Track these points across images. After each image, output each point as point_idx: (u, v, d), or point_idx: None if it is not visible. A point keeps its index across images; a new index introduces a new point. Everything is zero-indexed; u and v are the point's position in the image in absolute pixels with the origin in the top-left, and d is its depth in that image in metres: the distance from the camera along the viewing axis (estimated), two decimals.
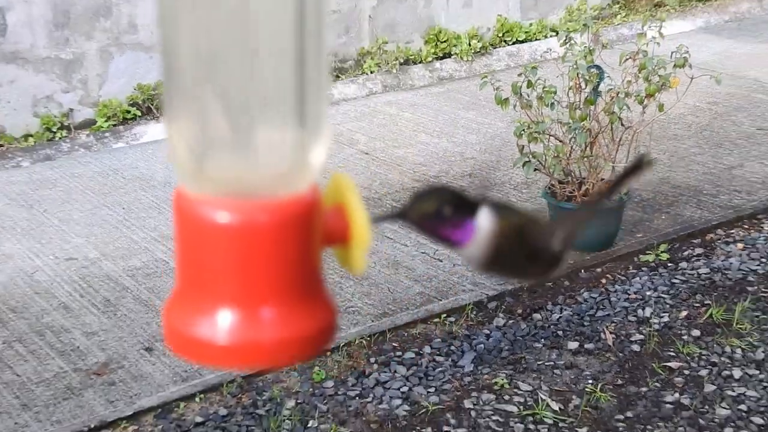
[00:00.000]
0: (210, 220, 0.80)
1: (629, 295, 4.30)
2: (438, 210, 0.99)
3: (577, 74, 4.50)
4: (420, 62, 7.16)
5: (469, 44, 7.27)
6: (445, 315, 4.15)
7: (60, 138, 5.97)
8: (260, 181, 0.81)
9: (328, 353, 3.88)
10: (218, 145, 0.80)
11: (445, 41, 7.27)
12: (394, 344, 3.98)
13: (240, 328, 0.81)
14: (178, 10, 0.79)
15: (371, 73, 6.94)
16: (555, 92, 4.53)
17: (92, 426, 3.50)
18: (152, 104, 6.18)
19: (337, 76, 6.87)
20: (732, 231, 4.84)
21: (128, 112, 6.14)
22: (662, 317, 4.13)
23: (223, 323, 0.82)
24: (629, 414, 3.57)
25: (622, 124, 4.51)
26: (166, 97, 0.81)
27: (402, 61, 7.08)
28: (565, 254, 1.13)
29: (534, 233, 1.09)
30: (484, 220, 1.01)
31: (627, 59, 4.49)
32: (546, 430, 3.49)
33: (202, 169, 0.80)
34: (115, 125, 6.09)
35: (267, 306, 0.82)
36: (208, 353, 0.82)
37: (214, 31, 0.78)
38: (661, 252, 4.61)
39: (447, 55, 7.27)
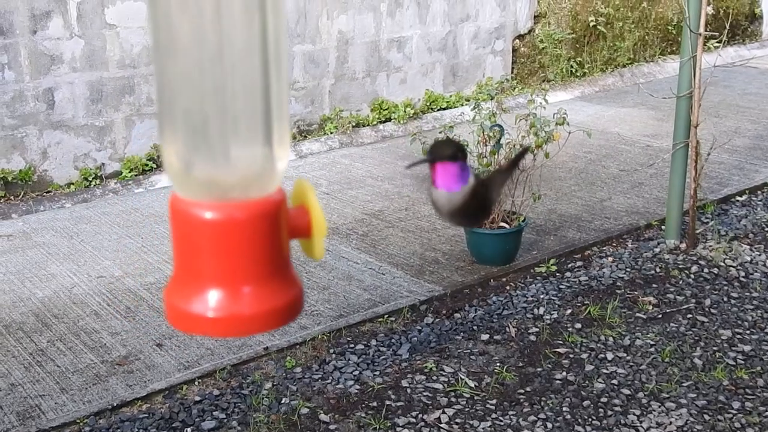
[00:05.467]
0: (198, 218, 0.79)
1: (527, 298, 4.30)
2: (454, 153, 1.01)
3: (483, 132, 4.53)
4: (368, 125, 7.16)
5: (405, 111, 7.29)
6: (387, 315, 4.12)
7: (94, 185, 5.93)
8: (237, 186, 0.79)
9: (297, 346, 3.85)
10: (203, 159, 0.78)
11: (386, 109, 7.27)
12: (348, 338, 3.94)
13: (225, 304, 0.79)
14: (170, 59, 0.77)
15: (331, 133, 6.93)
16: (467, 145, 4.53)
17: (115, 405, 3.45)
18: None
19: (305, 137, 6.85)
20: (604, 248, 4.86)
21: (146, 165, 6.11)
22: (552, 314, 4.13)
23: (211, 301, 0.79)
24: (528, 389, 3.55)
25: (519, 168, 4.52)
26: (161, 122, 0.79)
27: (354, 124, 7.08)
28: (495, 204, 1.19)
29: (488, 192, 1.14)
30: (471, 179, 1.04)
31: (521, 120, 4.51)
32: (464, 402, 3.46)
33: (190, 178, 0.78)
34: (136, 175, 6.06)
35: (246, 285, 0.80)
36: (200, 325, 0.80)
37: (199, 73, 0.76)
38: (551, 265, 4.62)
39: (388, 120, 7.28)
